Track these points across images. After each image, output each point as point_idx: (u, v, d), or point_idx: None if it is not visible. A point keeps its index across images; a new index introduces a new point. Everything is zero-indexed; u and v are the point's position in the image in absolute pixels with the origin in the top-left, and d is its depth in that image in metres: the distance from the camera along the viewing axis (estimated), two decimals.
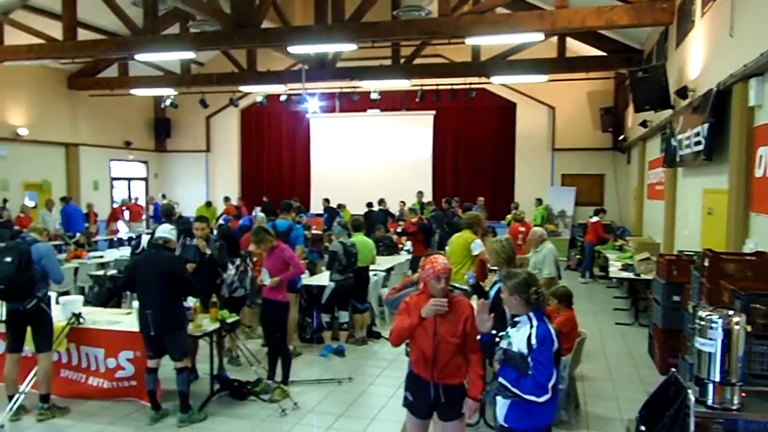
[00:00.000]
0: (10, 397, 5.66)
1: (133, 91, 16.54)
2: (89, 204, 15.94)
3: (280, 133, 21.10)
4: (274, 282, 6.21)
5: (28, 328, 5.73)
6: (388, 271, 10.09)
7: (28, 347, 5.85)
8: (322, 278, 8.33)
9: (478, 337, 3.58)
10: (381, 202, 15.47)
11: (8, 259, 5.45)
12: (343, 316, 8.02)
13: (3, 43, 12.62)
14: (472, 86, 16.17)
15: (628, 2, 9.23)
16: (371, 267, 8.74)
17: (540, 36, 10.49)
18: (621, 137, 16.45)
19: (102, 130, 18.28)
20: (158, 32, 12.00)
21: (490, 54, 13.75)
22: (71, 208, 14.53)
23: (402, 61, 14.62)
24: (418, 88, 16.46)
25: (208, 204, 17.24)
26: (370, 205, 15.82)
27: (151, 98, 19.68)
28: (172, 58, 13.60)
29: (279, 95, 17.32)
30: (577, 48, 14.52)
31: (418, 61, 14.87)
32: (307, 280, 8.32)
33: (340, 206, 16.54)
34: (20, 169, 15.56)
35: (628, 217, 16.32)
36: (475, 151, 19.34)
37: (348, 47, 11.35)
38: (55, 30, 12.31)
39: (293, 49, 11.40)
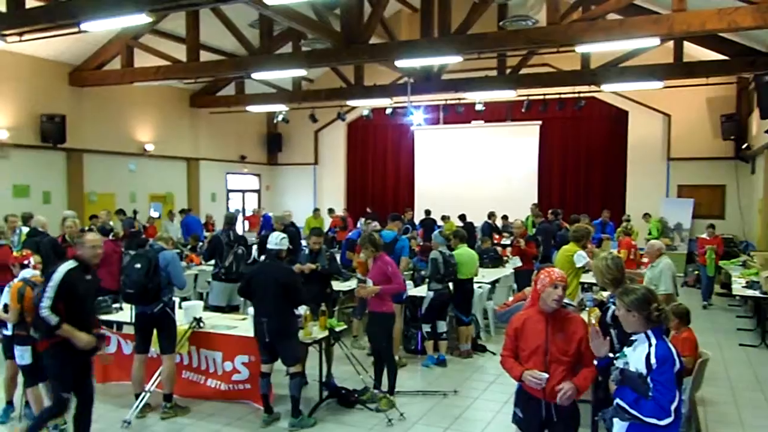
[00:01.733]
0: (137, 395, 6.05)
1: (248, 108, 17.46)
2: (208, 215, 16.92)
3: (385, 145, 21.45)
4: (371, 290, 6.27)
5: (154, 331, 6.09)
6: (493, 283, 9.96)
7: (154, 349, 6.22)
8: (425, 289, 8.36)
9: (595, 362, 3.46)
10: (491, 215, 15.35)
11: (138, 266, 5.89)
12: (441, 326, 8.00)
13: (133, 66, 13.70)
14: (581, 95, 15.70)
15: (753, 3, 8.62)
16: (475, 279, 8.66)
17: (655, 41, 10.01)
18: (744, 145, 15.35)
19: (220, 145, 19.39)
20: (273, 52, 12.61)
21: (600, 61, 13.29)
22: (191, 218, 15.47)
23: (508, 71, 14.46)
24: (525, 98, 16.20)
25: (316, 211, 17.80)
26: (463, 218, 15.77)
27: (264, 114, 20.66)
28: (285, 75, 14.20)
29: (385, 108, 17.64)
30: (695, 52, 13.73)
31: (524, 70, 14.64)
32: (412, 291, 8.38)
33: (444, 218, 16.60)
34: (147, 182, 16.82)
35: (752, 231, 15.16)
36: (583, 161, 18.74)
37: (454, 59, 11.38)
38: (179, 52, 13.25)
39: (400, 63, 11.57)
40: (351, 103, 17.11)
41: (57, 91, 14.02)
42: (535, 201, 17.31)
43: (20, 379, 5.64)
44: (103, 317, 6.98)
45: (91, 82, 14.29)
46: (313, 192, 21.93)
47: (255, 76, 13.20)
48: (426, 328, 7.91)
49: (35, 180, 13.68)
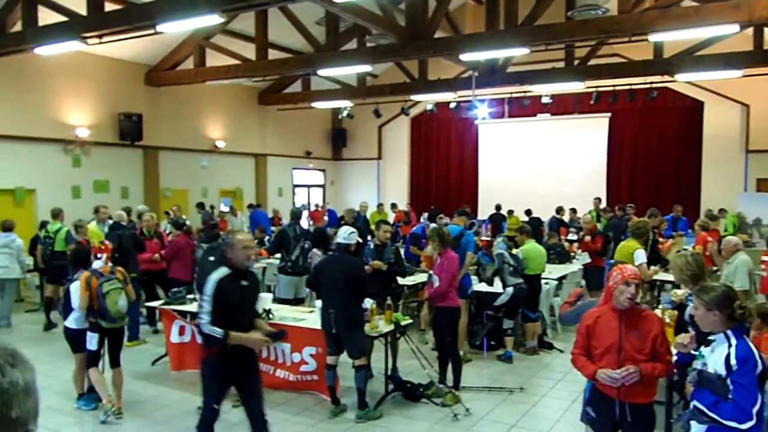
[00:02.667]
0: None
1: (314, 104, 17.71)
2: (275, 209, 17.31)
3: (449, 139, 21.36)
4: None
5: None
6: (560, 279, 9.77)
7: None
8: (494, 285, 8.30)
9: (675, 358, 3.36)
10: (559, 210, 15.09)
11: (212, 259, 6.13)
12: (507, 323, 7.92)
13: (205, 65, 14.13)
14: (653, 85, 15.16)
15: None
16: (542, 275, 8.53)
17: (734, 28, 9.55)
18: None
19: (286, 141, 19.80)
20: (338, 48, 12.76)
21: (674, 50, 12.78)
22: (258, 213, 15.84)
23: (576, 62, 14.12)
24: (593, 89, 15.79)
25: (380, 206, 17.89)
26: (528, 212, 15.57)
27: (329, 110, 20.87)
28: (350, 72, 14.33)
29: (448, 103, 17.54)
30: None
31: (593, 61, 14.26)
32: (477, 286, 8.33)
33: (509, 212, 16.42)
34: (218, 178, 17.37)
35: None
36: (654, 155, 18.12)
37: (520, 52, 11.20)
38: (249, 51, 13.59)
39: (465, 57, 11.49)
40: (415, 97, 17.12)
41: (134, 90, 14.65)
42: (600, 196, 16.95)
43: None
44: (178, 308, 7.29)
45: (166, 81, 14.86)
46: (377, 187, 22.07)
47: (321, 72, 13.38)
48: (508, 324, 7.85)
49: (114, 176, 14.36)
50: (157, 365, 7.54)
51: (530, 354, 8.05)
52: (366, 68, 13.45)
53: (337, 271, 5.87)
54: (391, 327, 6.27)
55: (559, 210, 15.10)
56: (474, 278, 8.51)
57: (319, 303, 6.19)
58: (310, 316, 6.79)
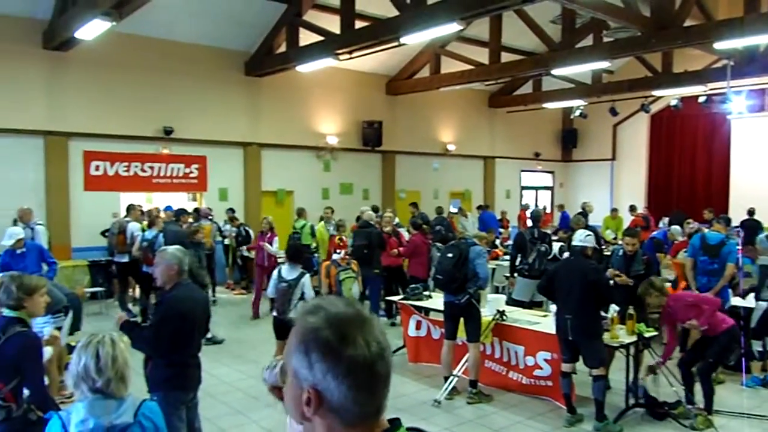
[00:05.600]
0: (446, 378, 6.52)
1: (545, 105, 17.39)
2: (503, 211, 17.35)
3: (695, 137, 19.50)
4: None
5: (461, 320, 6.51)
6: None
7: (460, 337, 6.64)
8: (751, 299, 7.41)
9: None
10: None
11: (450, 255, 6.40)
12: None
13: (440, 72, 14.68)
14: None
15: None
16: None
17: None
18: None
19: (514, 143, 19.71)
20: (573, 46, 12.38)
21: None
22: (487, 215, 15.96)
23: None
24: None
25: (614, 212, 16.84)
26: (751, 212, 13.57)
27: (559, 110, 20.32)
28: (585, 69, 13.80)
29: (696, 97, 15.98)
30: None
31: None
32: (734, 300, 7.51)
33: None
34: (448, 180, 17.96)
35: None
36: None
37: None
38: (480, 55, 13.81)
39: (720, 45, 10.39)
40: (657, 92, 15.90)
41: (375, 100, 15.82)
42: None
43: None
44: (415, 303, 7.68)
45: (404, 90, 15.80)
46: (610, 189, 20.90)
47: (555, 71, 13.10)
48: (756, 345, 7.00)
49: (357, 179, 15.67)
50: (395, 356, 8.02)
51: None
52: (604, 65, 12.84)
53: (574, 276, 5.72)
54: (634, 338, 5.94)
55: None
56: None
57: (554, 307, 6.09)
58: (544, 320, 6.72)
